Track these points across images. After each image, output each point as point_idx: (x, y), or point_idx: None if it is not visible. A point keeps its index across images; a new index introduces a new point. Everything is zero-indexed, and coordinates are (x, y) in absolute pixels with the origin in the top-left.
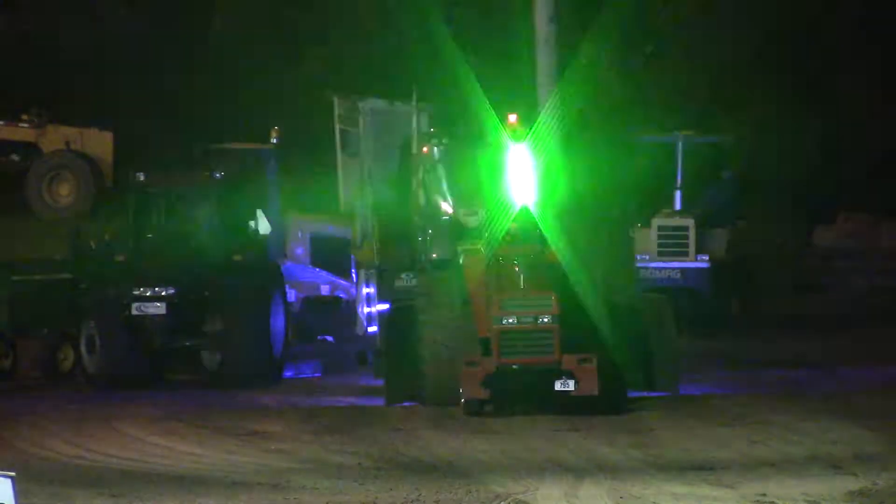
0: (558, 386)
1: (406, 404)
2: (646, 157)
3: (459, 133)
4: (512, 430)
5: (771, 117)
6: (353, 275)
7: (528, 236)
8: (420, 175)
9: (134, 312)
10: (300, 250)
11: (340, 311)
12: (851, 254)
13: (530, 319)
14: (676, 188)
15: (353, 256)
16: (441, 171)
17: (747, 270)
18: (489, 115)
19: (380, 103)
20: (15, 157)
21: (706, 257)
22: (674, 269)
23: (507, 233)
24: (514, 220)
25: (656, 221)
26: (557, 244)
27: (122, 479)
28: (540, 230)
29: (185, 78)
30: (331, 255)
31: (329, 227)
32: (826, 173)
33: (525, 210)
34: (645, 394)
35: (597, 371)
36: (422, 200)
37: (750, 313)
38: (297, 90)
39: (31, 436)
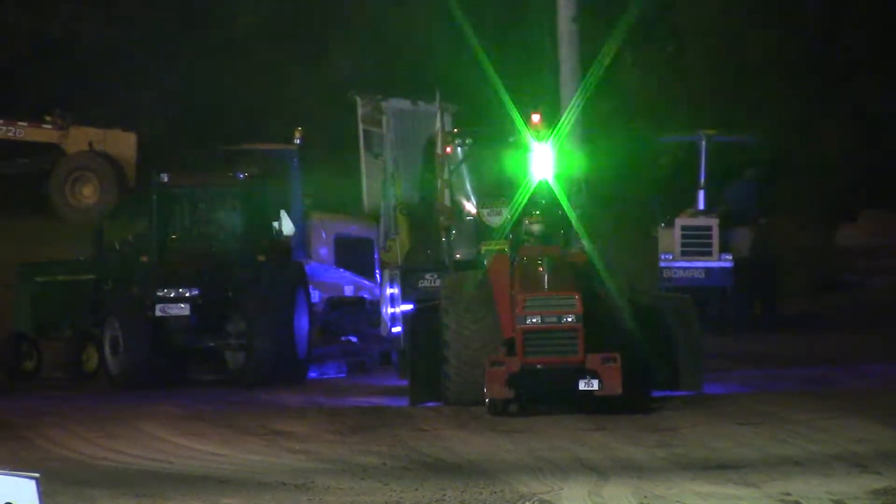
0: (582, 385)
1: (430, 405)
2: (669, 156)
3: (483, 133)
4: (536, 429)
5: (794, 116)
6: (377, 275)
7: (551, 236)
8: (444, 175)
9: (157, 313)
10: (324, 251)
11: (364, 311)
12: (874, 252)
13: (554, 319)
14: (700, 187)
15: (376, 257)
16: (465, 170)
17: (771, 269)
18: (512, 115)
19: (403, 103)
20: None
21: (729, 256)
22: (697, 268)
23: (531, 233)
24: (537, 221)
25: (680, 221)
26: (581, 244)
27: (146, 480)
28: (563, 230)
29: (208, 78)
30: (354, 256)
31: (353, 228)
32: (849, 171)
33: (548, 209)
34: (669, 393)
35: (621, 370)
36: (446, 200)
37: (773, 312)
38: (321, 90)
39: (55, 436)
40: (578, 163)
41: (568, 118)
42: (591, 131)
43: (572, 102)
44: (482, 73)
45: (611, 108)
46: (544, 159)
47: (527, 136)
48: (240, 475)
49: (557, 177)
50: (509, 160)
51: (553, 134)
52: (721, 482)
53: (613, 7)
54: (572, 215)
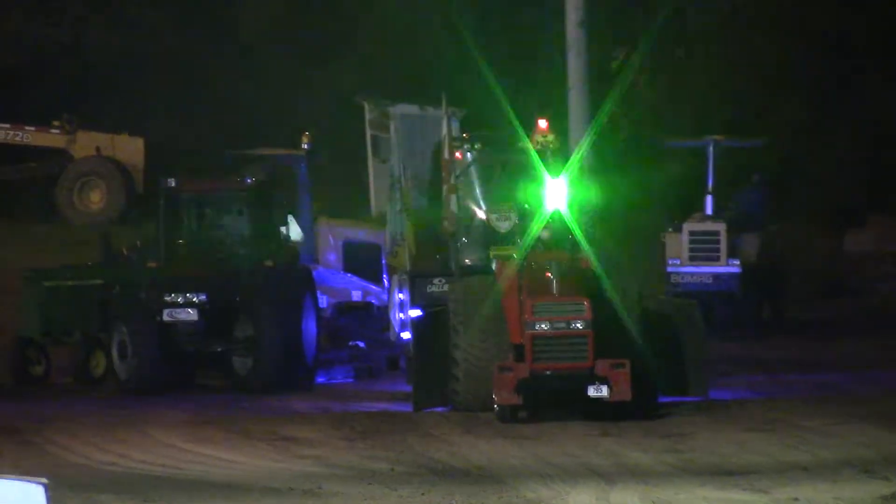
0: (591, 391)
1: (439, 410)
2: (677, 161)
3: (491, 138)
4: (544, 435)
5: (802, 121)
6: (385, 280)
7: (559, 242)
8: (450, 181)
9: (165, 318)
10: (332, 256)
11: (372, 316)
12: (882, 257)
13: (563, 325)
14: (707, 192)
15: (384, 262)
16: (473, 176)
17: (778, 274)
18: (520, 120)
19: (411, 108)
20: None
21: (737, 261)
22: (705, 273)
23: (539, 238)
24: (545, 226)
25: (687, 226)
26: (589, 249)
27: (155, 485)
28: (572, 235)
29: (215, 84)
30: (362, 261)
31: (360, 233)
32: (857, 177)
33: (557, 215)
34: (676, 399)
35: (630, 376)
36: (454, 206)
37: (781, 317)
38: (328, 95)
39: (64, 442)
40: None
41: (575, 123)
42: (599, 137)
43: (579, 108)
44: (489, 78)
45: (618, 113)
46: (552, 166)
47: (534, 141)
48: (248, 480)
49: (571, 181)
50: (517, 165)
51: (560, 139)
52: (729, 488)
53: (621, 12)
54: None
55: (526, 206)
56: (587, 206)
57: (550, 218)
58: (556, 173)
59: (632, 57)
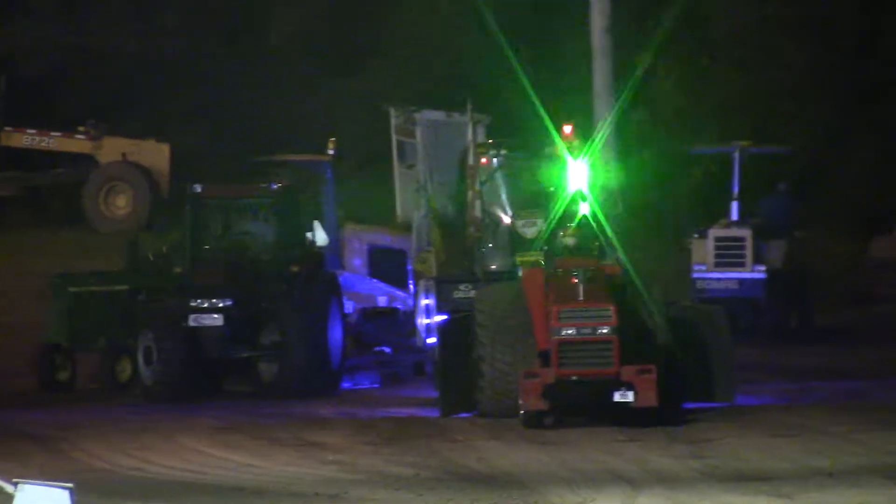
0: (617, 397)
1: (463, 415)
2: (702, 167)
3: (517, 143)
4: (569, 440)
5: (827, 127)
6: (411, 285)
7: (586, 248)
8: (477, 186)
9: (191, 324)
10: (358, 261)
11: (398, 322)
12: None
13: (589, 331)
14: (733, 199)
15: (410, 267)
16: (499, 181)
17: (804, 281)
18: (546, 125)
19: (436, 114)
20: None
21: (763, 268)
22: (731, 279)
23: (565, 245)
24: (571, 234)
25: (713, 232)
26: (615, 255)
27: (180, 491)
28: (598, 241)
29: (242, 90)
30: (388, 266)
31: (386, 238)
32: (883, 183)
33: (583, 221)
34: (702, 405)
35: (656, 382)
36: (478, 212)
37: (807, 324)
38: (354, 101)
39: (89, 447)
40: (613, 174)
41: (601, 129)
42: (624, 142)
43: (606, 113)
44: (515, 84)
45: (643, 119)
46: (579, 171)
47: (560, 146)
48: (273, 486)
49: (592, 187)
50: (543, 171)
51: (588, 146)
52: (754, 493)
53: (646, 19)
54: (608, 227)
55: (552, 212)
56: (612, 212)
57: (576, 224)
58: (581, 178)
59: (657, 64)
